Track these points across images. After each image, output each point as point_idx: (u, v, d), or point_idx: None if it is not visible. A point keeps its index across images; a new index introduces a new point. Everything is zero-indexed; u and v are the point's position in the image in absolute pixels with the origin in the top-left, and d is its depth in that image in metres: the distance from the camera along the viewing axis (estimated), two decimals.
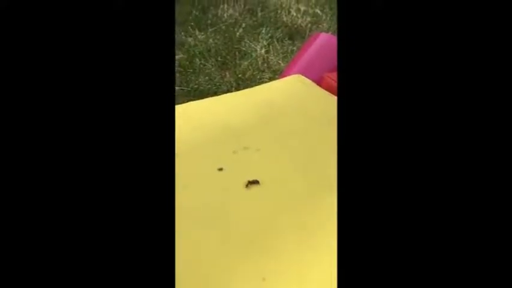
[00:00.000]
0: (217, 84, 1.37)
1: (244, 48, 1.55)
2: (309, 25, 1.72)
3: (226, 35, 1.61)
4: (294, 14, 1.78)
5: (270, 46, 1.58)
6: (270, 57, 1.52)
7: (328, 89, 0.79)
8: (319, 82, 0.82)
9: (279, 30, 1.68)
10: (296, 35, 1.67)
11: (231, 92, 0.84)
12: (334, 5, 1.84)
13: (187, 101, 0.76)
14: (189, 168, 0.58)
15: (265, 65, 1.49)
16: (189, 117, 0.70)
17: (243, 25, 1.68)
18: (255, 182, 0.57)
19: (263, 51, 1.54)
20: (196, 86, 1.34)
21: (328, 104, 0.74)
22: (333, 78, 0.83)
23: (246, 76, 1.41)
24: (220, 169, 0.59)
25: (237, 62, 1.49)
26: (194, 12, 1.72)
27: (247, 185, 0.56)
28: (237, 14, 1.76)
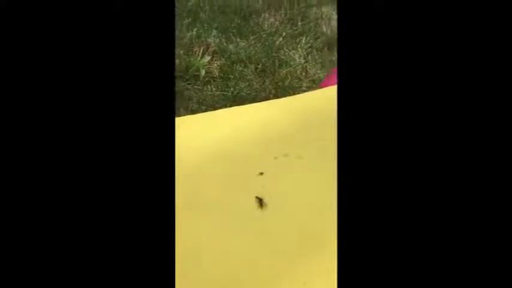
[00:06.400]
0: (257, 90, 1.40)
1: (283, 57, 1.58)
2: None
3: (267, 43, 1.65)
4: (334, 25, 1.80)
5: (309, 56, 1.60)
6: (309, 67, 1.55)
7: None
8: None
9: (318, 40, 1.70)
10: (335, 46, 1.69)
11: (270, 98, 0.87)
12: None
13: (227, 106, 0.79)
14: (231, 170, 0.60)
15: (304, 74, 1.52)
16: (231, 121, 0.72)
17: (283, 34, 1.71)
18: (262, 202, 0.58)
19: (302, 60, 1.57)
20: (236, 92, 1.37)
21: None
22: None
23: (285, 84, 1.44)
24: (261, 173, 0.62)
25: (276, 70, 1.52)
26: (236, 20, 1.76)
27: (260, 205, 0.57)
28: (278, 23, 1.79)
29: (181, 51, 1.58)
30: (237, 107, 0.78)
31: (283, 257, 0.50)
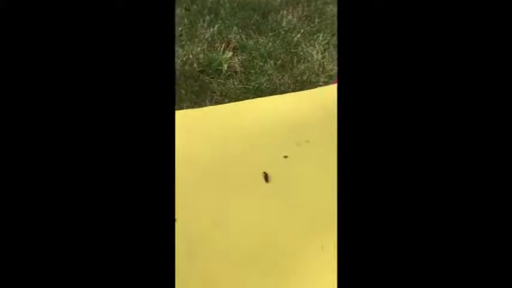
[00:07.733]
0: (277, 85, 1.48)
1: (301, 53, 1.66)
2: None
3: (285, 39, 1.73)
4: None
5: (326, 52, 1.68)
6: (326, 63, 1.62)
7: None
8: None
9: (335, 37, 1.77)
10: None
11: (289, 92, 0.94)
12: None
13: (249, 99, 0.86)
14: (258, 155, 0.68)
15: (321, 69, 1.60)
16: (254, 111, 0.79)
17: (301, 31, 1.78)
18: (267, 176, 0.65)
19: (319, 56, 1.65)
20: (257, 86, 1.46)
21: None
22: None
23: (303, 79, 1.52)
24: (286, 156, 0.70)
25: (295, 65, 1.60)
26: (255, 17, 1.84)
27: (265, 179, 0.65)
28: (296, 20, 1.86)
29: (204, 47, 1.66)
30: (259, 98, 0.85)
31: (303, 225, 0.58)
